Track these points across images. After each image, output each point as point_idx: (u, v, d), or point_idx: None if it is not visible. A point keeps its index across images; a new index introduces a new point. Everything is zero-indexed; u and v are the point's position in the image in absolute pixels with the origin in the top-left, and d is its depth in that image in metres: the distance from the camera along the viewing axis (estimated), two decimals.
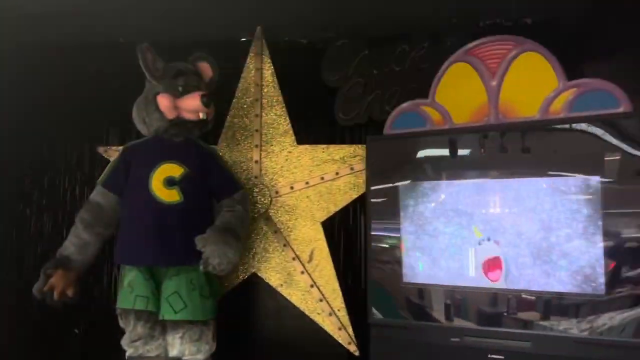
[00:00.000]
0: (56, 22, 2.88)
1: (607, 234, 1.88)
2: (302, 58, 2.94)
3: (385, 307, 2.26)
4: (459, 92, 2.20)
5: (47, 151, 3.15)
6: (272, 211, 2.84)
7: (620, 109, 1.91)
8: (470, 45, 2.20)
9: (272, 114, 2.89)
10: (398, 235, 2.27)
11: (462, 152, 2.18)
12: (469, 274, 2.12)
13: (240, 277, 2.84)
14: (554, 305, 1.94)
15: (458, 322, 2.11)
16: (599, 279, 1.88)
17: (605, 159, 1.90)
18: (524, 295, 2.01)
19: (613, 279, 1.86)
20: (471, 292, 2.11)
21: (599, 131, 1.93)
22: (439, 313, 2.15)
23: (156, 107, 2.30)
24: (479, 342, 2.02)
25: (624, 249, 1.86)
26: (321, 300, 2.72)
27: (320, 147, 2.82)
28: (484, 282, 2.09)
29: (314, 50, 2.93)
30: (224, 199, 2.44)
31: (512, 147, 2.09)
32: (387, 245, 2.31)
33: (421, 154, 2.25)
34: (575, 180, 1.96)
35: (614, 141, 1.89)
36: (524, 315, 1.99)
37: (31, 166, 3.16)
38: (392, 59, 2.79)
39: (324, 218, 2.78)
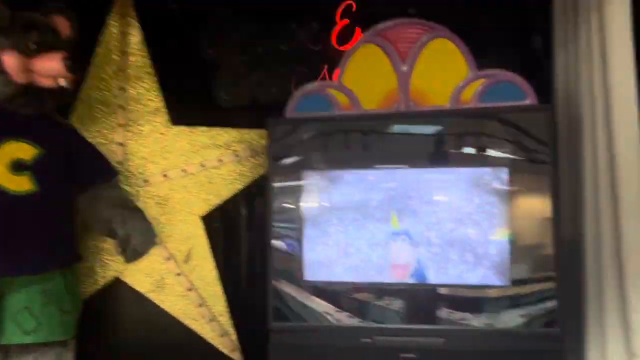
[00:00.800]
0: None
1: (513, 227, 1.90)
2: (179, 26, 2.54)
3: (286, 310, 2.02)
4: (368, 75, 2.06)
5: None
6: (141, 203, 2.40)
7: (527, 101, 1.94)
8: (381, 26, 2.06)
9: (140, 88, 2.44)
10: (301, 229, 2.04)
11: (371, 139, 2.04)
12: (378, 269, 1.98)
13: (100, 282, 2.35)
14: (466, 299, 1.90)
15: (368, 322, 1.96)
16: (508, 271, 1.88)
17: (512, 151, 1.91)
18: (435, 290, 1.94)
19: (520, 271, 1.88)
20: (381, 289, 1.98)
21: (507, 123, 1.93)
22: (347, 313, 1.98)
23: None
24: (390, 342, 1.90)
25: (528, 242, 1.90)
26: (201, 306, 2.38)
27: (200, 130, 2.46)
28: (394, 278, 1.98)
29: (192, 18, 2.55)
30: (96, 184, 1.97)
31: (423, 136, 2.00)
32: (288, 241, 2.07)
33: (327, 140, 2.06)
34: (484, 172, 1.94)
35: (521, 133, 1.91)
36: (436, 310, 1.92)
37: None
38: (281, 37, 2.55)
39: (205, 212, 2.43)
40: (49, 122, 1.95)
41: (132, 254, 1.92)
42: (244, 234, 2.54)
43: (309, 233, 2.05)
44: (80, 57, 1.97)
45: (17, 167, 1.78)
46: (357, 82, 2.07)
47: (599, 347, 1.85)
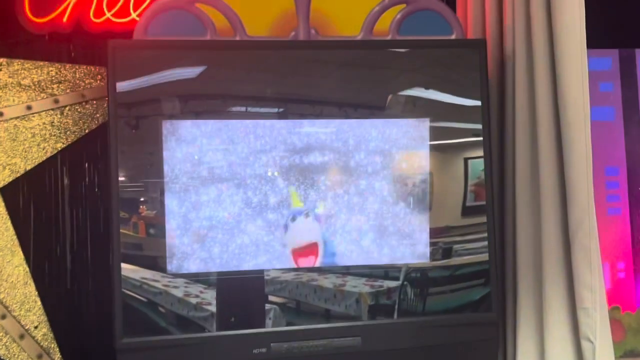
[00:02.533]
0: None
1: (437, 195, 1.53)
2: None
3: (140, 318, 1.40)
4: None
5: None
6: None
7: (453, 36, 1.57)
8: None
9: None
10: (159, 202, 1.43)
11: (257, 77, 1.50)
12: (273, 254, 1.47)
13: None
14: (381, 287, 1.49)
15: (261, 326, 1.45)
16: (426, 248, 1.51)
17: (436, 97, 1.53)
18: (343, 275, 1.50)
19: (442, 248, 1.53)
20: (276, 280, 1.48)
21: (429, 61, 1.54)
22: (231, 316, 1.44)
23: None
24: (292, 348, 1.41)
25: (456, 210, 1.55)
26: (3, 318, 1.63)
27: None
28: (292, 264, 1.49)
29: None
30: None
31: (326, 75, 1.52)
32: (141, 220, 1.44)
33: (198, 76, 1.46)
34: (402, 124, 1.53)
35: (444, 75, 1.55)
36: (348, 303, 1.48)
37: None
38: None
39: (6, 182, 1.69)
40: None
41: None
42: (65, 212, 1.82)
43: (172, 208, 1.44)
44: None
45: None
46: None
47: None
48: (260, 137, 1.48)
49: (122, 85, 1.42)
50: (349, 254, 1.51)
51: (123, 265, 1.40)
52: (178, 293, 1.44)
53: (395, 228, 1.53)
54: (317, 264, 1.49)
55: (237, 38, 1.49)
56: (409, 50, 1.56)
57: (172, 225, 1.44)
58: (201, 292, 1.46)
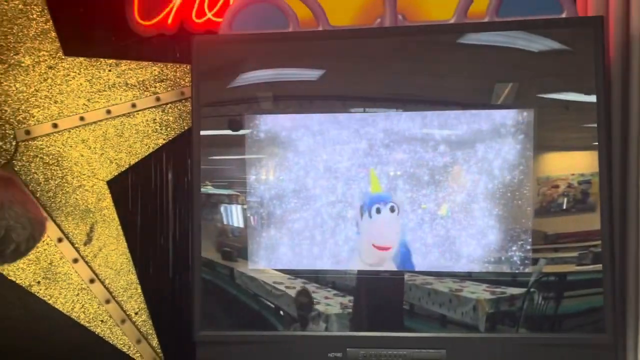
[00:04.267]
0: None
1: (541, 191, 1.35)
2: None
3: (222, 313, 1.41)
4: None
5: None
6: (20, 164, 1.75)
7: (564, 14, 1.37)
8: None
9: (16, 2, 1.75)
10: (244, 199, 1.43)
11: (343, 69, 1.43)
12: (352, 254, 1.40)
13: None
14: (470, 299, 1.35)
15: (339, 328, 1.38)
16: (527, 254, 1.33)
17: (544, 86, 1.35)
18: (430, 281, 1.37)
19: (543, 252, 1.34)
20: (355, 280, 1.40)
21: (535, 45, 1.36)
22: (309, 316, 1.40)
23: None
24: (369, 356, 1.33)
25: (561, 209, 1.35)
26: (108, 302, 1.75)
27: (106, 63, 1.80)
28: (368, 264, 1.40)
29: None
30: None
31: (416, 64, 1.41)
32: (224, 216, 1.46)
33: (280, 70, 1.43)
34: (502, 115, 1.37)
35: (553, 61, 1.35)
36: (431, 310, 1.36)
37: None
38: None
39: (112, 175, 1.80)
40: None
41: (13, 254, 1.22)
42: (168, 205, 1.90)
43: (253, 203, 1.43)
44: None
45: None
46: None
47: None
48: (349, 130, 1.42)
49: (204, 80, 1.45)
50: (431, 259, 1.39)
51: (205, 257, 1.42)
52: (259, 289, 1.43)
53: (492, 230, 1.38)
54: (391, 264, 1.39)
55: (320, 28, 1.44)
56: (511, 33, 1.39)
57: (256, 220, 1.43)
58: (283, 289, 1.44)
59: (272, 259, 1.43)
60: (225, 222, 1.48)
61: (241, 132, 1.45)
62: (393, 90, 1.43)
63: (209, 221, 1.48)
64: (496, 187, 1.36)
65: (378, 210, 1.39)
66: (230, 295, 1.43)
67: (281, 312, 1.39)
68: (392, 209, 1.38)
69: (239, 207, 1.48)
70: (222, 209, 1.50)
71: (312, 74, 1.46)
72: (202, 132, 1.44)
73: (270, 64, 1.45)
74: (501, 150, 1.38)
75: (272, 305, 1.42)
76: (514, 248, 1.35)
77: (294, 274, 1.40)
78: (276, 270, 1.41)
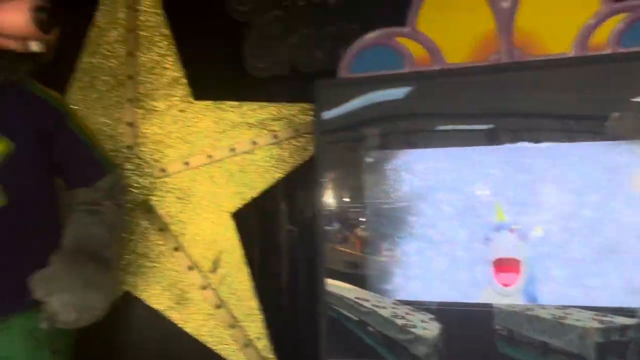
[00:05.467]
0: None
1: None
2: None
3: (346, 342, 1.47)
4: (452, 17, 1.49)
5: None
6: (156, 199, 1.92)
7: None
8: None
9: (153, 54, 1.95)
10: (364, 229, 1.50)
11: (460, 105, 1.48)
12: (480, 286, 1.42)
13: None
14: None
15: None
16: None
17: None
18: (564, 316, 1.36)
19: None
20: (484, 314, 1.41)
21: None
22: (445, 344, 1.42)
23: None
24: None
25: None
26: (233, 327, 1.86)
27: (229, 105, 1.95)
28: (499, 297, 1.41)
29: None
30: (79, 187, 1.42)
31: (535, 98, 1.43)
32: (346, 246, 1.53)
33: (398, 108, 1.50)
34: (628, 147, 1.35)
35: None
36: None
37: None
38: None
39: (236, 207, 1.92)
40: (24, 98, 1.34)
41: (49, 321, 1.26)
42: (284, 235, 2.01)
43: (375, 233, 1.50)
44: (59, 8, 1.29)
45: None
46: (437, 27, 1.51)
47: None
48: (465, 164, 1.45)
49: (326, 119, 1.55)
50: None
51: (330, 282, 1.49)
52: (383, 320, 1.48)
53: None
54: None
55: (437, 67, 1.50)
56: (635, 64, 1.38)
57: (379, 247, 1.50)
58: (408, 314, 1.47)
59: (399, 289, 1.48)
60: (347, 252, 1.55)
61: (362, 167, 1.53)
62: (509, 123, 1.45)
63: (329, 249, 1.56)
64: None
65: (503, 239, 1.40)
66: (355, 324, 1.49)
67: (407, 345, 1.43)
68: (519, 237, 1.39)
69: (360, 236, 1.55)
70: (343, 239, 1.57)
71: (427, 110, 1.52)
72: (326, 168, 1.53)
73: (389, 101, 1.52)
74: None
75: (399, 331, 1.46)
76: None
77: (422, 305, 1.44)
78: (401, 301, 1.46)
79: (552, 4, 1.44)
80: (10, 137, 1.27)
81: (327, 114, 1.52)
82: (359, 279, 1.50)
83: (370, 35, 1.57)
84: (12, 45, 1.22)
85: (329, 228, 1.53)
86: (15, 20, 1.18)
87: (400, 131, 1.52)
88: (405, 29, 1.54)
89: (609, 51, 1.39)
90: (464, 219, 1.44)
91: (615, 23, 1.40)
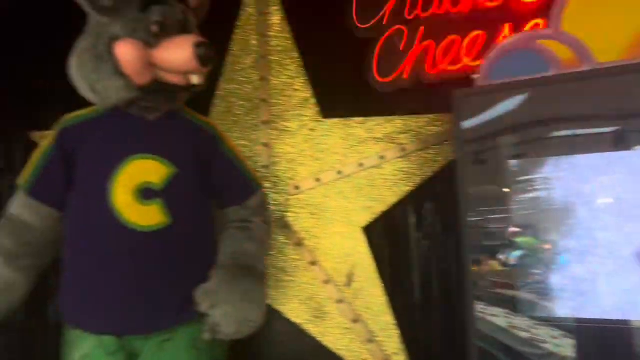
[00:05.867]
0: None
1: None
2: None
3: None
4: (602, 14, 1.40)
5: None
6: (291, 215, 1.99)
7: None
8: None
9: (284, 77, 2.04)
10: (506, 244, 1.44)
11: (614, 106, 1.37)
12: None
13: None
14: None
15: None
16: None
17: None
18: None
19: None
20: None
21: None
22: None
23: (114, 66, 1.29)
24: None
25: None
26: (370, 342, 1.87)
27: (356, 121, 1.98)
28: None
29: None
30: (231, 206, 1.52)
31: None
32: (489, 261, 1.48)
33: (545, 114, 1.43)
34: None
35: None
36: None
37: None
38: None
39: (367, 222, 1.94)
40: (183, 125, 1.47)
41: (211, 332, 1.36)
42: (415, 249, 1.99)
43: (521, 251, 1.43)
44: (214, 41, 1.40)
45: (146, 194, 1.34)
46: (584, 26, 1.42)
47: None
48: (622, 170, 1.35)
49: (466, 130, 1.51)
50: None
51: (483, 307, 1.45)
52: (532, 339, 1.40)
53: None
54: None
55: (587, 69, 1.42)
56: None
57: (530, 264, 1.43)
58: (555, 338, 1.39)
59: (550, 308, 1.40)
60: (492, 266, 1.50)
61: (506, 176, 1.48)
62: None
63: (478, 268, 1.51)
64: None
65: None
66: (502, 343, 1.43)
67: None
68: None
69: (503, 250, 1.49)
70: (483, 254, 1.52)
71: (573, 115, 1.43)
72: (468, 178, 1.49)
73: (530, 108, 1.46)
74: None
75: (545, 356, 1.38)
76: None
77: (566, 321, 1.35)
78: (549, 317, 1.38)
79: None
80: (173, 161, 1.39)
81: (467, 124, 1.48)
82: (508, 301, 1.44)
83: (510, 41, 1.52)
84: (176, 79, 1.34)
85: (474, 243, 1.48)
86: (180, 56, 1.30)
87: (546, 137, 1.44)
88: (548, 31, 1.47)
89: None
90: (620, 229, 1.33)
91: None
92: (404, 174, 1.95)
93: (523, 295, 1.43)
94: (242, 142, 2.00)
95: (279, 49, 2.04)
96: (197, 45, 1.32)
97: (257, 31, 2.04)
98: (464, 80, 1.95)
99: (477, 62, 1.93)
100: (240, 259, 1.42)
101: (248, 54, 2.05)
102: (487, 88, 1.50)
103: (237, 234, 1.47)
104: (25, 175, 1.40)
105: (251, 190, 1.53)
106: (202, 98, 1.99)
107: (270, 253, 1.95)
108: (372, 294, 1.91)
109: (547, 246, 1.43)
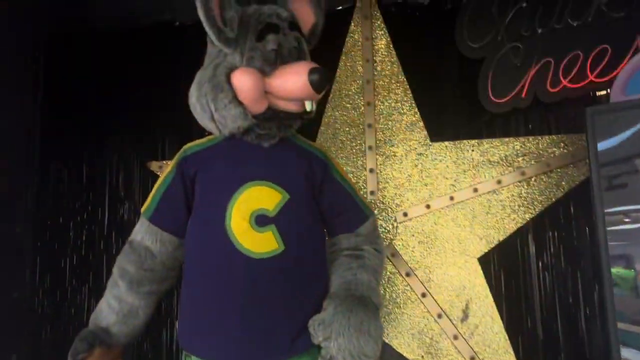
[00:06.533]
0: None
1: None
2: (427, 22, 2.04)
3: None
4: None
5: (88, 169, 2.33)
6: (400, 243, 1.91)
7: None
8: None
9: (390, 101, 1.99)
10: None
11: None
12: None
13: None
14: None
15: None
16: None
17: None
18: None
19: None
20: None
21: None
22: None
23: (233, 95, 1.30)
24: None
25: None
26: None
27: (468, 144, 1.89)
28: None
29: (440, 11, 2.03)
30: (343, 233, 1.47)
31: None
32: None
33: None
34: None
35: None
36: None
37: (67, 189, 2.33)
38: (563, 10, 1.87)
39: (483, 252, 1.82)
40: (295, 151, 1.44)
41: None
42: (539, 282, 1.83)
43: None
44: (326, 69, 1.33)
45: (261, 221, 1.31)
46: None
47: None
48: None
49: (603, 148, 1.36)
50: None
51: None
52: None
53: None
54: None
55: None
56: None
57: None
58: None
59: None
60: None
61: None
62: None
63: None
64: None
65: None
66: None
67: None
68: None
69: None
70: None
71: None
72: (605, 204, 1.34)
73: None
74: None
75: None
76: None
77: None
78: None
79: None
80: (286, 187, 1.37)
81: (604, 144, 1.34)
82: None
83: None
84: (290, 106, 1.33)
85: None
86: (296, 83, 1.28)
87: None
88: None
89: None
90: None
91: None
92: (524, 200, 1.81)
93: None
94: (348, 169, 1.96)
95: (385, 73, 2.00)
96: (312, 72, 1.30)
97: (363, 57, 2.02)
98: (588, 98, 1.80)
99: (604, 79, 1.78)
100: (355, 289, 1.35)
101: (354, 80, 2.02)
102: (624, 104, 1.35)
103: (349, 262, 1.41)
104: (147, 203, 1.44)
105: (363, 216, 1.47)
106: (308, 125, 2.02)
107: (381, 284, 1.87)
108: (491, 330, 1.77)
109: None
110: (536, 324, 1.82)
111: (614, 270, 1.35)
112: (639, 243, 1.35)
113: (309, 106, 1.35)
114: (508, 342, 1.76)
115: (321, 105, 2.01)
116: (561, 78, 1.86)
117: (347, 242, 1.46)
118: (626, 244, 1.36)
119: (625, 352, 1.30)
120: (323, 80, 1.30)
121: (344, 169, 1.91)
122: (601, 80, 1.79)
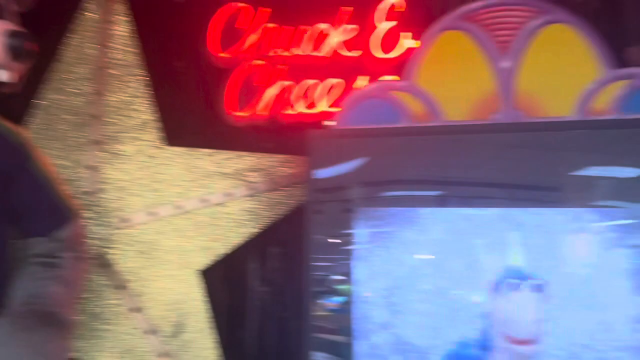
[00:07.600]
0: None
1: None
2: (182, 17, 1.93)
3: None
4: (453, 74, 1.44)
5: None
6: (115, 252, 1.72)
7: None
8: (471, 6, 1.46)
9: (123, 94, 1.80)
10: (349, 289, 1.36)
11: (458, 163, 1.40)
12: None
13: None
14: None
15: None
16: None
17: None
18: None
19: None
20: None
21: None
22: None
23: None
24: None
25: None
26: None
27: (203, 152, 1.81)
28: None
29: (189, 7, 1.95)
30: (35, 236, 1.22)
31: (534, 160, 1.37)
32: (335, 308, 1.39)
33: (393, 165, 1.41)
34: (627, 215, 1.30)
35: None
36: None
37: None
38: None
39: (206, 264, 1.75)
40: None
41: None
42: (254, 297, 1.84)
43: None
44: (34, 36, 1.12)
45: None
46: (437, 83, 1.45)
47: None
48: (460, 227, 1.36)
49: (319, 172, 1.43)
50: None
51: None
52: None
53: None
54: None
55: (436, 123, 1.43)
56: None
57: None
58: None
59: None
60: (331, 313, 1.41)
61: (351, 222, 1.41)
62: (507, 185, 1.39)
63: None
64: None
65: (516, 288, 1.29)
66: None
67: None
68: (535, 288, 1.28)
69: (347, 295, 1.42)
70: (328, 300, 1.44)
71: (420, 167, 1.44)
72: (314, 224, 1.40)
73: (379, 156, 1.43)
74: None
75: None
76: None
77: None
78: None
79: (553, 68, 1.42)
80: None
81: (318, 166, 1.40)
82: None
83: (365, 89, 1.50)
84: None
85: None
86: None
87: (390, 188, 1.42)
88: (403, 83, 1.48)
89: (612, 117, 1.36)
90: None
91: (615, 89, 1.38)
92: (250, 215, 1.81)
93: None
94: (63, 162, 1.70)
95: (122, 63, 1.81)
96: (11, 35, 1.07)
97: (98, 40, 1.79)
98: (319, 124, 1.92)
99: (334, 109, 1.91)
100: (38, 304, 1.12)
101: (83, 63, 1.78)
102: (339, 131, 1.45)
103: (38, 271, 1.17)
104: None
105: (63, 218, 1.25)
106: (16, 105, 1.69)
107: (85, 296, 1.64)
108: (203, 346, 1.71)
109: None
110: (252, 339, 1.83)
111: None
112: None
113: (3, 76, 1.10)
114: (220, 358, 1.71)
115: (36, 84, 1.71)
116: (300, 102, 1.94)
117: (40, 247, 1.22)
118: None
119: None
120: (26, 48, 1.07)
121: (57, 162, 1.65)
122: (333, 109, 1.92)
